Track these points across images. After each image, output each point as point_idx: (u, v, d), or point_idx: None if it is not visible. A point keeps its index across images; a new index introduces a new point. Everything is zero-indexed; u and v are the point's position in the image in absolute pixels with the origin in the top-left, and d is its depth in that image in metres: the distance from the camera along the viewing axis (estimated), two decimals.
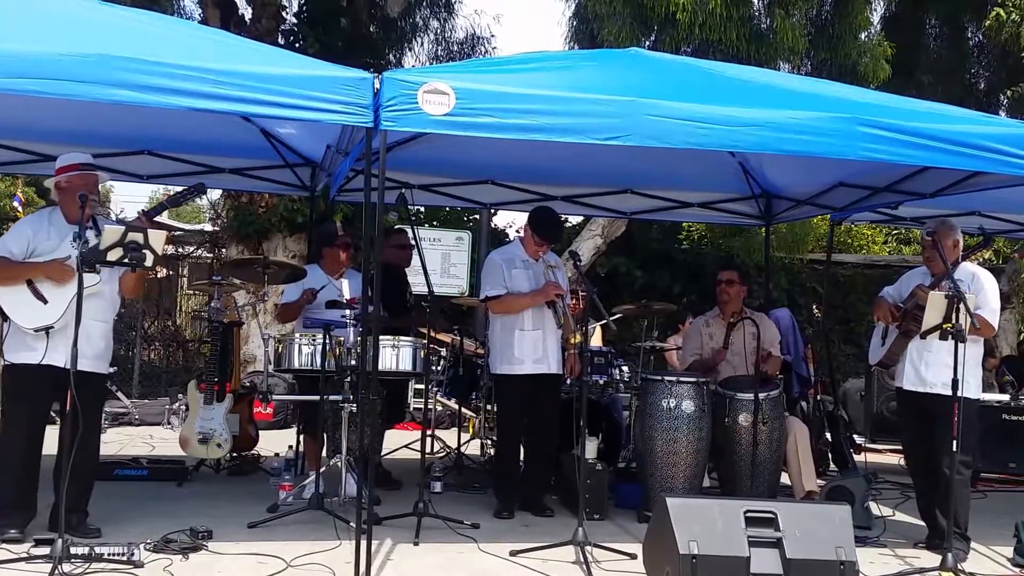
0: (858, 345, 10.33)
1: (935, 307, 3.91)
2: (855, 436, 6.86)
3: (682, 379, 4.77)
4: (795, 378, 5.96)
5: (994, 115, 8.50)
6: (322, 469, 4.62)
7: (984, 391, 5.09)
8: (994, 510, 5.32)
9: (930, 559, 4.09)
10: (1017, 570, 4.16)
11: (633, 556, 3.88)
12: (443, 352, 6.23)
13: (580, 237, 9.85)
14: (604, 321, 4.76)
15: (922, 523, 4.54)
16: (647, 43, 9.01)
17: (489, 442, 6.07)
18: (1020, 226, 6.54)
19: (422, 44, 12.99)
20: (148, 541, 3.75)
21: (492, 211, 8.28)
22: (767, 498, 4.37)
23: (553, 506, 4.86)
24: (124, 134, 5.24)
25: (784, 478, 5.10)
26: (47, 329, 3.76)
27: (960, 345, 3.84)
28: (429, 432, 5.54)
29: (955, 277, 4.08)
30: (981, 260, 4.79)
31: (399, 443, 6.25)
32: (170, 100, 3.31)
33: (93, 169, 3.96)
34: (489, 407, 5.96)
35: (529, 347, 4.75)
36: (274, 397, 6.03)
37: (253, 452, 5.79)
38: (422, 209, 9.83)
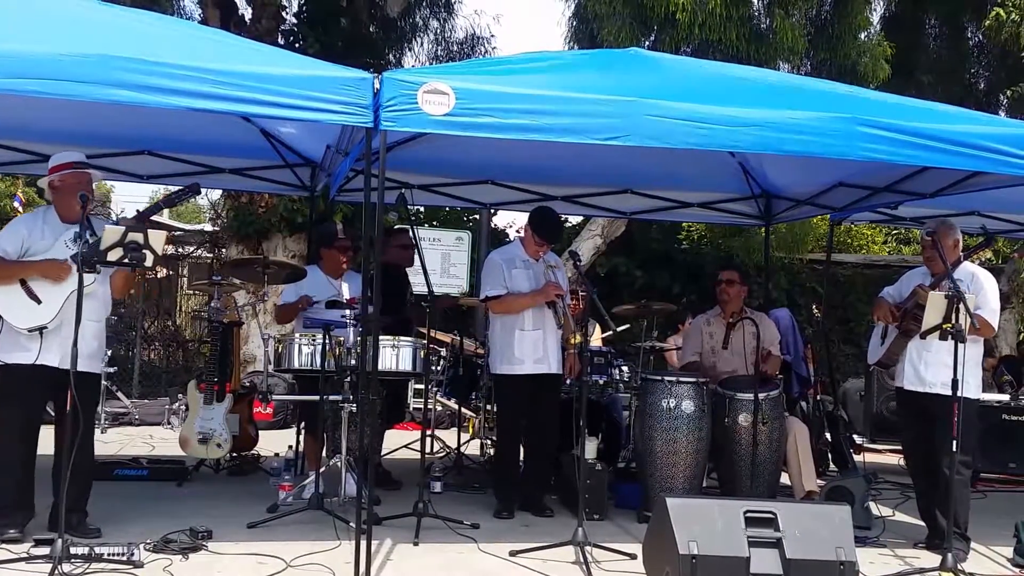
0: (858, 345, 10.33)
1: (935, 307, 3.91)
2: (855, 436, 6.86)
3: (682, 379, 4.78)
4: (795, 378, 5.96)
5: (994, 115, 8.50)
6: (322, 469, 4.62)
7: (983, 391, 5.08)
8: (994, 510, 5.32)
9: (930, 559, 4.10)
10: (1017, 570, 4.16)
11: (633, 556, 3.88)
12: (443, 352, 6.23)
13: (580, 237, 9.85)
14: (609, 333, 4.78)
15: (922, 523, 4.55)
16: (647, 43, 9.00)
17: (489, 442, 6.07)
18: (1020, 226, 6.54)
19: (422, 44, 13.00)
20: (148, 541, 3.75)
21: (492, 211, 8.29)
22: (767, 498, 4.37)
23: (553, 506, 4.86)
24: (124, 134, 5.24)
25: (784, 478, 5.10)
26: (41, 329, 3.75)
27: (960, 345, 3.84)
28: (429, 432, 5.54)
29: (955, 277, 4.08)
30: (981, 260, 4.78)
31: (399, 443, 6.25)
32: (170, 100, 3.31)
33: (86, 167, 3.96)
34: (489, 407, 5.96)
35: (529, 347, 4.75)
36: (274, 397, 6.03)
37: (253, 452, 5.79)
38: (422, 209, 9.83)
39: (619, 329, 4.86)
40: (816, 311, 7.02)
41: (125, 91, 3.27)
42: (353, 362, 4.50)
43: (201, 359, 9.63)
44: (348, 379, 4.53)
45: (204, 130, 5.08)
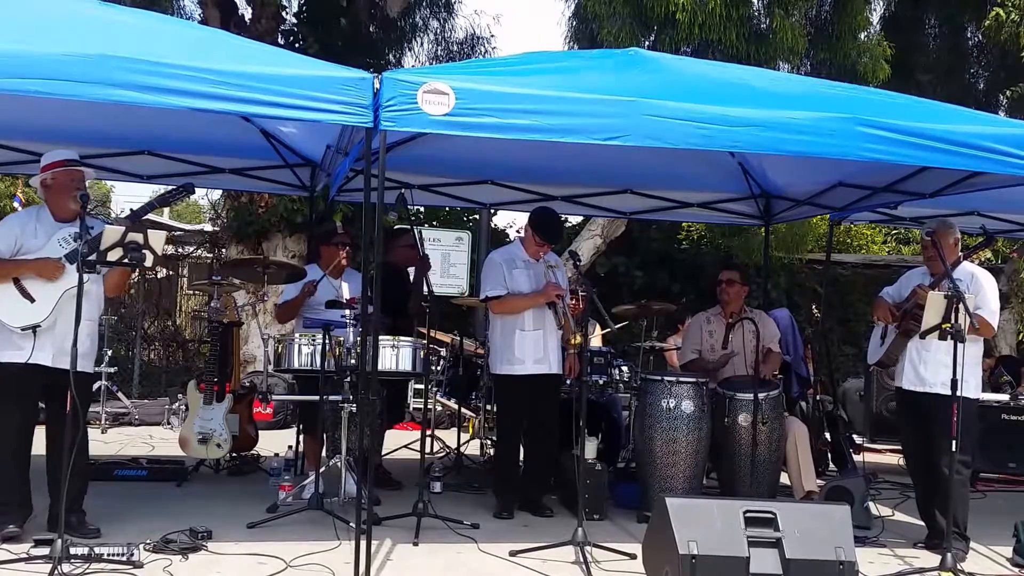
0: (857, 345, 10.33)
1: (934, 307, 3.91)
2: (854, 436, 6.86)
3: (681, 379, 4.78)
4: (794, 378, 5.96)
5: (993, 115, 8.50)
6: (322, 469, 4.62)
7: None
8: (993, 510, 5.33)
9: (929, 559, 4.10)
10: (1016, 570, 4.17)
11: (633, 556, 3.88)
12: (443, 352, 6.23)
13: (580, 237, 9.85)
14: (608, 330, 4.79)
15: (921, 523, 4.55)
16: (647, 43, 9.00)
17: (489, 442, 6.07)
18: (1020, 226, 6.55)
19: (422, 44, 13.01)
20: (148, 541, 3.75)
21: (492, 211, 8.29)
22: (766, 498, 4.37)
23: (553, 506, 4.86)
24: (124, 134, 5.24)
25: (783, 478, 5.10)
26: (34, 328, 3.74)
27: (959, 345, 3.84)
28: (429, 432, 5.55)
29: (954, 277, 4.08)
30: (980, 260, 4.78)
31: (399, 443, 6.25)
32: (170, 100, 3.31)
33: (78, 165, 3.95)
34: (489, 407, 5.96)
35: (530, 347, 4.75)
36: (274, 397, 6.04)
37: (253, 452, 5.79)
38: (422, 209, 9.83)
39: (616, 327, 4.85)
40: (815, 311, 7.02)
41: (125, 91, 3.27)
42: (353, 362, 4.50)
43: (201, 359, 9.62)
44: (348, 379, 4.53)
45: (204, 130, 5.08)
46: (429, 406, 4.84)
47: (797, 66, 9.90)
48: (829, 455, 6.23)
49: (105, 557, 3.47)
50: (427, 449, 4.63)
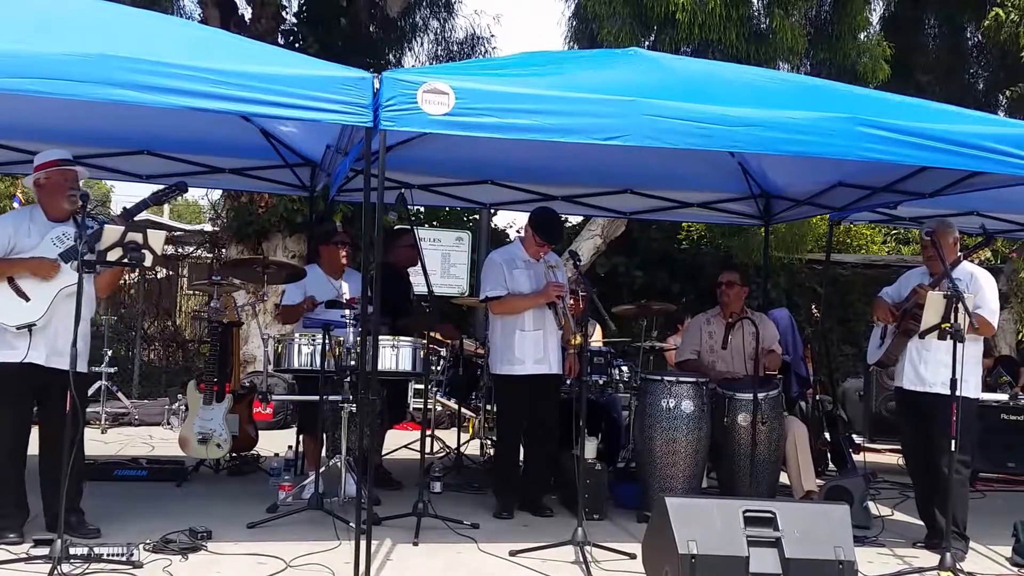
0: (857, 345, 10.33)
1: (934, 307, 3.92)
2: (854, 436, 6.86)
3: (681, 379, 4.78)
4: (794, 378, 5.96)
5: (993, 115, 8.50)
6: (322, 469, 4.62)
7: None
8: (993, 510, 5.33)
9: (929, 558, 4.10)
10: (1016, 569, 4.17)
11: (632, 556, 3.88)
12: (443, 352, 6.23)
13: (580, 237, 9.85)
14: (603, 319, 4.79)
15: (921, 523, 4.55)
16: (647, 43, 9.00)
17: (489, 442, 6.07)
18: (1019, 226, 6.55)
19: (422, 44, 13.01)
20: (147, 541, 3.75)
21: (492, 211, 8.29)
22: (766, 498, 4.37)
23: (552, 506, 4.86)
24: (124, 134, 5.25)
25: (783, 478, 5.11)
26: (30, 326, 3.73)
27: (959, 344, 3.84)
28: (429, 432, 5.55)
29: (954, 277, 4.08)
30: (980, 260, 4.78)
31: (399, 443, 6.25)
32: (170, 100, 3.31)
33: (72, 165, 3.94)
34: (489, 407, 5.97)
35: (530, 347, 4.75)
36: (274, 397, 6.04)
37: (253, 452, 5.79)
38: (422, 209, 9.82)
39: (613, 329, 4.87)
40: (815, 311, 7.02)
41: (125, 90, 3.26)
42: (353, 362, 4.50)
43: (201, 359, 9.62)
44: (348, 379, 4.53)
45: (204, 130, 5.08)
46: (429, 406, 4.84)
47: (797, 66, 9.90)
48: (829, 455, 6.23)
49: (105, 557, 3.47)
50: (427, 449, 4.63)
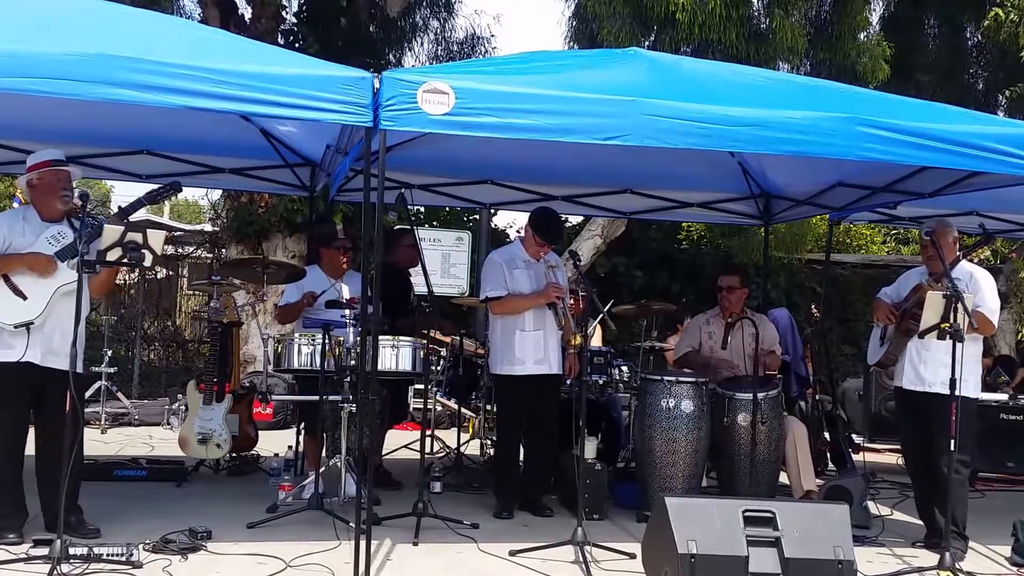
0: (857, 345, 10.33)
1: (933, 306, 3.92)
2: (853, 436, 6.87)
3: (681, 379, 4.78)
4: (794, 378, 5.96)
5: (993, 115, 8.50)
6: (322, 469, 4.62)
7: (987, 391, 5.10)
8: (992, 509, 5.33)
9: (928, 558, 4.10)
10: (1015, 569, 4.17)
11: (632, 556, 3.88)
12: (443, 352, 6.23)
13: (580, 237, 9.85)
14: (600, 316, 4.80)
15: (920, 522, 4.55)
16: (647, 43, 9.00)
17: (489, 442, 6.07)
18: (1019, 226, 6.55)
19: (422, 44, 13.01)
20: (147, 541, 3.75)
21: (492, 211, 8.29)
22: (766, 498, 4.38)
23: (552, 506, 4.86)
24: (124, 134, 5.24)
25: (783, 478, 5.11)
26: (28, 325, 3.73)
27: (958, 344, 3.84)
28: (429, 432, 5.54)
29: (953, 276, 4.09)
30: (979, 260, 4.78)
31: (399, 443, 6.26)
32: (169, 99, 3.31)
33: (65, 165, 3.93)
34: (489, 407, 5.96)
35: (531, 347, 4.75)
36: (273, 397, 6.04)
37: (252, 452, 5.79)
38: (422, 209, 9.82)
39: (606, 308, 4.86)
40: (815, 311, 7.03)
41: (125, 90, 3.26)
42: (353, 362, 4.50)
43: (201, 359, 9.62)
44: (348, 379, 4.53)
45: (204, 130, 5.08)
46: (429, 406, 4.84)
47: (797, 66, 9.91)
48: (828, 455, 6.23)
49: (104, 557, 3.47)
50: (427, 449, 4.63)
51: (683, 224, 10.97)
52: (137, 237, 3.57)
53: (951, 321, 3.86)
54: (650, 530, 3.61)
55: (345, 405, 4.50)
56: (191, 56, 3.42)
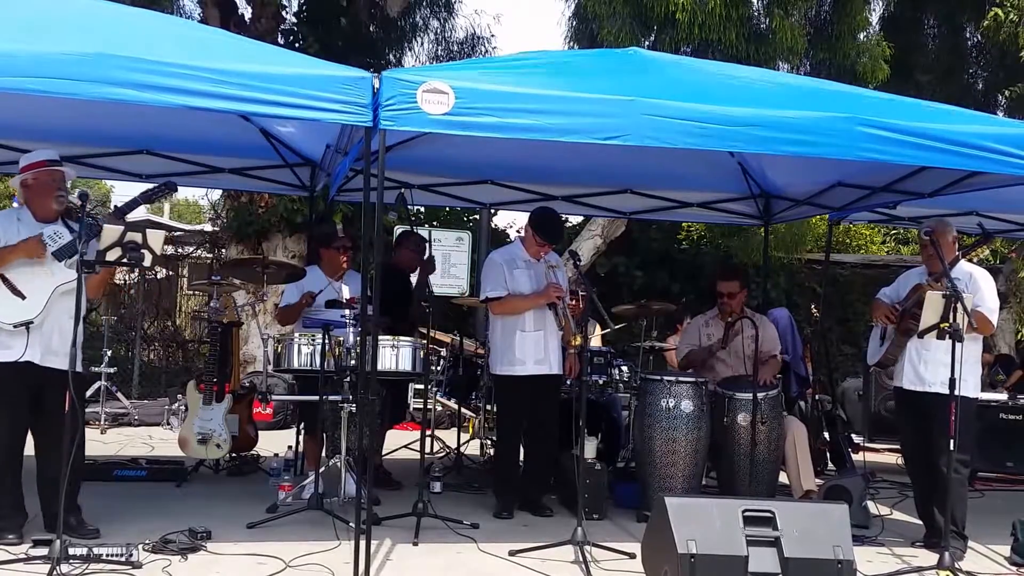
0: (856, 345, 10.33)
1: (932, 306, 3.92)
2: (853, 436, 6.87)
3: (681, 379, 4.78)
4: (793, 378, 5.96)
5: (992, 115, 8.50)
6: (321, 469, 4.62)
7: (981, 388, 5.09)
8: (991, 509, 5.32)
9: (927, 558, 4.10)
10: (1014, 569, 4.17)
11: (632, 556, 3.89)
12: (443, 352, 6.23)
13: (580, 237, 9.86)
14: (608, 330, 4.80)
15: (920, 522, 4.55)
16: (647, 43, 9.01)
17: (489, 442, 6.07)
18: (1018, 226, 6.55)
19: (422, 44, 13.01)
20: (147, 542, 3.75)
21: (492, 211, 8.29)
22: (765, 497, 4.37)
23: (552, 506, 4.86)
24: (124, 133, 5.25)
25: (782, 477, 5.11)
26: (27, 324, 3.72)
27: (958, 344, 3.84)
28: (429, 432, 5.54)
29: (953, 276, 4.09)
30: (979, 259, 4.78)
31: (399, 443, 6.26)
32: (169, 99, 3.31)
33: (59, 165, 3.93)
34: (489, 407, 5.96)
35: (531, 348, 4.75)
36: (273, 397, 6.04)
37: (252, 452, 5.78)
38: (422, 209, 9.82)
39: (616, 327, 4.86)
40: (814, 311, 7.03)
41: (124, 90, 3.26)
42: (353, 362, 4.50)
43: (201, 359, 9.62)
44: (348, 379, 4.53)
45: (204, 129, 5.08)
46: (429, 406, 4.83)
47: (797, 66, 9.91)
48: (828, 454, 6.23)
49: (104, 557, 3.47)
50: (427, 449, 4.63)
51: (683, 224, 10.97)
52: (137, 237, 3.56)
53: (950, 321, 3.86)
54: (650, 530, 3.61)
55: (345, 405, 4.50)
56: (191, 56, 3.42)
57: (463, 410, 6.80)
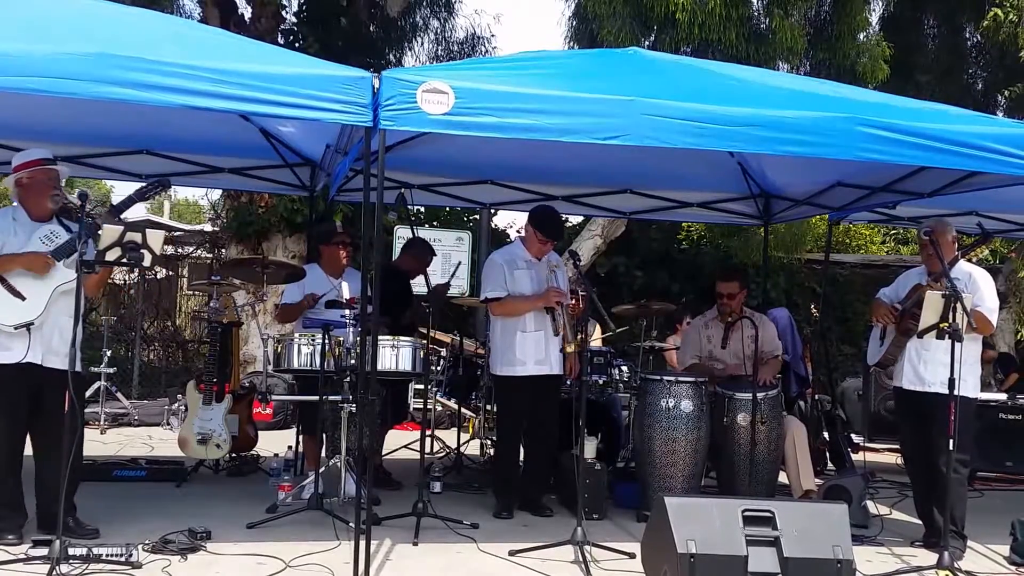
0: (856, 345, 10.34)
1: (932, 306, 3.92)
2: (853, 435, 6.87)
3: (681, 379, 4.79)
4: (793, 378, 5.97)
5: (992, 115, 8.51)
6: (321, 469, 4.62)
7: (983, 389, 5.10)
8: (991, 509, 5.32)
9: (927, 557, 4.10)
10: (1013, 568, 4.17)
11: (632, 555, 3.89)
12: (443, 352, 6.23)
13: (580, 237, 9.86)
14: (609, 333, 4.79)
15: (919, 522, 4.55)
16: (647, 43, 9.01)
17: (489, 442, 6.07)
18: (1018, 226, 6.55)
19: (422, 44, 13.02)
20: (146, 542, 3.75)
21: (492, 211, 8.29)
22: (765, 497, 4.38)
23: (552, 506, 4.86)
24: (124, 133, 5.24)
25: (782, 477, 5.11)
26: (28, 325, 3.71)
27: (957, 344, 3.85)
28: (429, 432, 5.54)
29: (952, 276, 4.09)
30: (979, 259, 4.79)
31: (399, 443, 6.26)
32: (169, 98, 3.31)
33: (54, 164, 3.92)
34: (489, 407, 5.96)
35: (531, 348, 4.75)
36: (273, 397, 6.04)
37: (252, 453, 5.78)
38: (422, 209, 9.82)
39: (618, 330, 4.87)
40: (814, 311, 7.03)
41: (124, 89, 3.26)
42: (353, 362, 4.50)
43: (200, 359, 9.62)
44: (348, 379, 4.53)
45: (203, 129, 5.08)
46: (429, 406, 4.83)
47: (796, 66, 9.91)
48: (827, 454, 6.23)
49: (104, 558, 3.47)
50: (427, 449, 4.63)
51: (683, 224, 10.98)
52: (136, 237, 3.56)
53: (950, 321, 3.86)
54: (650, 530, 3.61)
55: (345, 405, 4.50)
56: (191, 56, 3.42)
57: (463, 410, 6.80)
